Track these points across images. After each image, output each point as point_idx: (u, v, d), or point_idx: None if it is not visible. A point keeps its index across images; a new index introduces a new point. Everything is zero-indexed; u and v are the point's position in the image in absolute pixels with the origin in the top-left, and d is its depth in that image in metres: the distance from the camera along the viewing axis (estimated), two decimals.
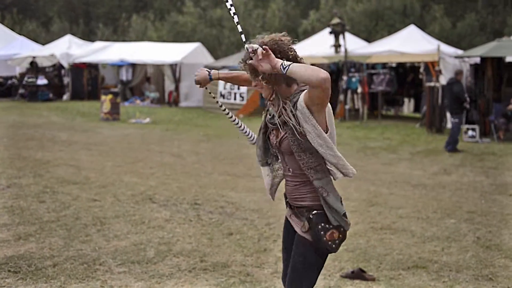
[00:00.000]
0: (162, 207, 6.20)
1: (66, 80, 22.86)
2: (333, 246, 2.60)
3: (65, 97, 22.48)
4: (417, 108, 17.98)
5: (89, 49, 23.79)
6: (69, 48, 23.49)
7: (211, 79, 3.07)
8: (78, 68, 22.74)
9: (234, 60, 19.54)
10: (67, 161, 8.81)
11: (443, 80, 14.08)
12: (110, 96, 15.25)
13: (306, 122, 2.48)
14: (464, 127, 12.75)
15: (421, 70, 15.89)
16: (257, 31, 33.67)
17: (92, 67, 23.15)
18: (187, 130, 13.96)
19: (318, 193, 2.55)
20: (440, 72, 14.10)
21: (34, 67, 22.24)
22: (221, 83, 19.12)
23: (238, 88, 18.66)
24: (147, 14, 40.06)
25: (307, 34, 30.96)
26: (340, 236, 2.60)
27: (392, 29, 29.20)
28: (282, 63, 2.43)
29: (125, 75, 22.33)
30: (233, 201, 6.55)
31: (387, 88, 15.86)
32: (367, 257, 4.70)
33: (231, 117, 3.08)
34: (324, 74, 2.32)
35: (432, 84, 13.79)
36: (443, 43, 18.79)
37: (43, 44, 27.91)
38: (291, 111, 2.51)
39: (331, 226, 2.57)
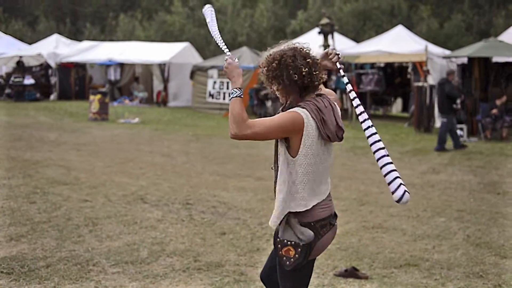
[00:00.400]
0: (154, 207, 6.20)
1: (53, 79, 22.67)
2: (287, 263, 2.52)
3: (52, 97, 22.30)
4: (405, 108, 18.11)
5: (76, 49, 23.63)
6: (56, 48, 23.31)
7: None
8: (66, 68, 22.57)
9: (223, 59, 19.43)
10: (56, 161, 8.75)
11: (431, 80, 14.21)
12: (98, 96, 15.17)
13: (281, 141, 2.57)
14: None
15: (409, 70, 16.01)
16: (245, 31, 33.73)
17: (80, 67, 23.00)
18: (176, 130, 13.94)
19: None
20: (428, 72, 14.22)
21: (20, 67, 22.04)
22: (210, 82, 19.12)
23: (227, 88, 18.67)
24: (135, 14, 39.87)
25: (296, 34, 31.03)
26: (297, 256, 2.51)
27: (379, 29, 29.39)
28: (233, 89, 2.52)
29: (113, 74, 22.21)
30: (225, 201, 6.57)
31: (375, 88, 15.96)
32: (360, 255, 4.74)
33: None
34: (232, 131, 2.40)
35: (420, 84, 13.91)
36: (431, 43, 18.94)
37: (29, 43, 27.67)
38: None
39: (288, 242, 2.52)
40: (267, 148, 11.07)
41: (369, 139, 2.52)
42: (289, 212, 2.54)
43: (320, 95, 2.61)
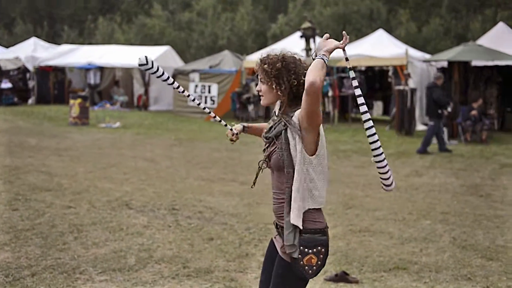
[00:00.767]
0: (139, 213, 6.12)
1: (32, 83, 22.34)
2: (310, 271, 2.50)
3: (30, 101, 21.96)
4: (386, 111, 18.27)
5: (55, 52, 23.33)
6: (34, 51, 22.99)
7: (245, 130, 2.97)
8: (44, 71, 22.27)
9: (205, 63, 19.48)
10: (37, 167, 8.61)
11: (412, 83, 14.36)
12: (79, 100, 14.98)
13: (294, 139, 2.48)
14: None
15: (390, 73, 16.16)
16: (226, 34, 33.70)
17: (59, 71, 22.71)
18: (158, 134, 13.83)
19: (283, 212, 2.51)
20: (409, 75, 14.37)
21: None
22: (191, 86, 19.04)
23: (209, 92, 18.62)
24: (114, 17, 39.54)
25: (276, 38, 31.11)
26: (319, 262, 2.51)
27: (359, 33, 29.61)
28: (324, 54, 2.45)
29: (93, 78, 21.97)
30: (211, 205, 6.52)
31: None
32: (349, 259, 4.75)
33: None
34: (318, 79, 2.33)
35: (401, 87, 14.04)
36: (410, 47, 19.15)
37: (6, 46, 27.23)
38: (284, 125, 2.51)
39: (310, 251, 2.49)
40: (249, 152, 11.07)
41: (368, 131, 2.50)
42: (305, 220, 2.49)
43: None
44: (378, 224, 5.92)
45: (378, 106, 18.82)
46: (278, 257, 2.61)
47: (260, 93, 2.60)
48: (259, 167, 2.65)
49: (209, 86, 18.63)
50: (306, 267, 2.48)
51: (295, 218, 2.46)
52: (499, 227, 5.95)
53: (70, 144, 11.45)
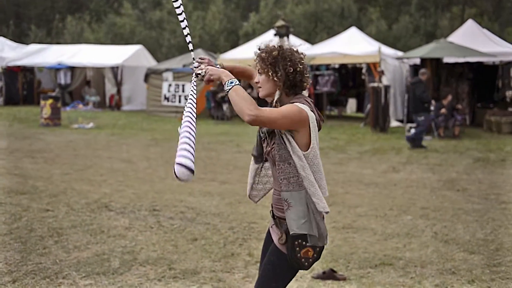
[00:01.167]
0: (120, 214, 6.02)
1: None
2: (306, 264, 2.55)
3: None
4: (359, 108, 18.45)
5: (23, 52, 22.82)
6: (1, 51, 22.47)
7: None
8: (12, 72, 21.77)
9: (178, 62, 19.32)
10: (10, 170, 8.39)
11: (385, 80, 14.52)
12: (50, 101, 14.66)
13: (286, 137, 2.51)
14: (407, 125, 13.18)
15: (364, 71, 16.31)
16: (197, 33, 33.48)
17: (28, 71, 22.23)
18: (133, 134, 13.65)
19: (282, 205, 2.53)
20: (382, 72, 14.53)
21: None
22: (165, 85, 18.85)
23: (183, 91, 18.48)
24: (83, 16, 38.87)
25: (248, 36, 31.10)
26: (315, 255, 2.55)
27: (331, 31, 29.86)
28: (228, 80, 2.47)
29: (63, 78, 21.56)
30: (193, 206, 6.46)
31: (332, 89, 16.17)
32: (335, 257, 4.75)
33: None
34: (247, 116, 2.36)
35: (375, 84, 14.18)
36: (381, 44, 19.36)
37: None
38: None
39: (307, 244, 2.51)
40: (226, 151, 11.03)
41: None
42: (284, 210, 2.54)
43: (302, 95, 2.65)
44: (361, 221, 5.96)
45: (352, 103, 18.99)
46: (272, 245, 2.63)
47: (258, 85, 2.60)
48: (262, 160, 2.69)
49: (183, 85, 18.48)
50: (303, 259, 2.53)
51: (299, 224, 2.50)
52: (478, 220, 6.05)
53: (43, 145, 11.20)
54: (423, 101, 11.34)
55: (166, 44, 34.03)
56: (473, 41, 15.04)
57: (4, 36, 28.62)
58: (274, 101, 2.58)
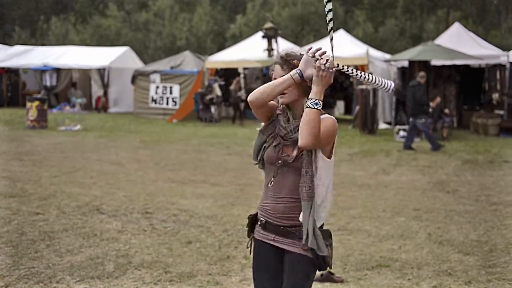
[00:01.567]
0: (112, 217, 5.94)
1: None
2: (330, 262, 2.57)
3: None
4: (347, 110, 18.51)
5: (8, 53, 22.54)
6: None
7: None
8: None
9: (165, 64, 19.22)
10: None
11: None
12: (36, 103, 14.48)
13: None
14: (396, 128, 13.25)
15: None
16: (184, 35, 33.36)
17: (12, 72, 21.97)
18: (121, 136, 13.53)
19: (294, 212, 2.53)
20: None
21: None
22: (152, 87, 18.74)
23: (171, 93, 18.39)
24: (68, 17, 38.50)
25: (235, 38, 31.05)
26: (332, 252, 2.60)
27: (318, 34, 29.93)
28: (318, 100, 2.41)
29: (49, 80, 21.32)
30: (185, 208, 6.40)
31: None
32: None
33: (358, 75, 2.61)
34: (309, 143, 2.38)
35: (363, 87, 14.23)
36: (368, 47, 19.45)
37: None
38: None
39: (329, 243, 2.53)
40: (216, 153, 10.98)
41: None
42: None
43: None
44: (355, 223, 5.95)
45: (340, 105, 19.04)
46: (294, 256, 2.53)
47: (285, 91, 2.50)
48: (277, 165, 2.58)
49: (171, 87, 18.39)
50: (330, 258, 2.55)
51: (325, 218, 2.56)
52: (470, 222, 6.08)
53: (31, 148, 11.05)
54: (422, 104, 11.40)
55: (152, 46, 33.84)
56: (459, 44, 15.18)
57: None
58: (304, 106, 2.46)
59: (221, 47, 30.33)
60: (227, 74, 19.22)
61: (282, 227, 2.57)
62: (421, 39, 28.26)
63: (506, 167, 9.75)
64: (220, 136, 13.85)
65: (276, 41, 16.84)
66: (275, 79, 2.54)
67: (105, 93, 20.89)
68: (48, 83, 21.39)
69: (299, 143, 2.41)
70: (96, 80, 21.04)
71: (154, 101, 18.70)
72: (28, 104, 14.58)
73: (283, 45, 18.55)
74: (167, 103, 18.43)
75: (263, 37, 16.93)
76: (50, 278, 4.18)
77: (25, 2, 41.52)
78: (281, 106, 2.60)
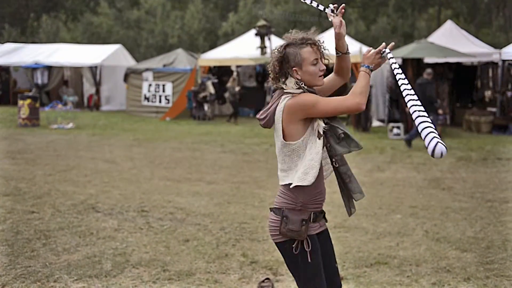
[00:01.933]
0: (108, 216, 5.90)
1: None
2: None
3: None
4: None
5: None
6: None
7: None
8: None
9: (158, 62, 19.13)
10: None
11: None
12: (28, 101, 14.36)
13: None
14: (390, 125, 13.28)
15: None
16: (176, 33, 33.24)
17: (3, 70, 21.79)
18: (114, 134, 13.45)
19: None
20: None
21: None
22: (145, 85, 18.65)
23: (163, 91, 18.31)
24: (58, 15, 38.22)
25: (228, 36, 30.99)
26: None
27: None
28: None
29: (40, 78, 21.15)
30: (181, 206, 6.37)
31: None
32: None
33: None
34: (361, 101, 2.60)
35: None
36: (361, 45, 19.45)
37: None
38: None
39: None
40: (211, 151, 10.95)
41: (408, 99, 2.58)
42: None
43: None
44: (351, 220, 5.94)
45: None
46: (325, 232, 2.81)
47: (322, 72, 2.69)
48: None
49: (163, 85, 18.32)
50: None
51: None
52: (466, 219, 6.10)
53: (23, 146, 10.95)
54: (432, 101, 11.43)
55: (144, 44, 33.68)
56: (452, 41, 15.23)
57: None
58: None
59: (213, 45, 30.23)
60: (220, 72, 19.18)
61: (323, 211, 2.77)
62: (413, 37, 28.38)
63: (499, 164, 9.79)
64: (214, 134, 13.82)
65: (269, 39, 16.81)
66: (314, 65, 2.65)
67: (97, 91, 20.76)
68: (39, 81, 21.22)
69: (363, 107, 2.57)
70: (88, 78, 20.90)
71: (147, 99, 18.62)
72: (20, 102, 14.46)
73: (276, 43, 18.55)
74: (160, 101, 18.36)
75: (256, 34, 16.89)
76: (47, 277, 4.14)
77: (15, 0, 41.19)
78: None
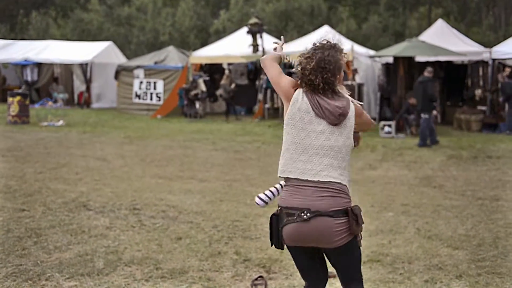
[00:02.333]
0: (99, 214, 5.87)
1: None
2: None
3: None
4: None
5: None
6: None
7: None
8: None
9: (149, 59, 19.04)
10: None
11: (358, 78, 14.63)
12: (18, 98, 14.24)
13: None
14: (381, 123, 13.32)
15: None
16: (167, 30, 33.11)
17: None
18: (105, 132, 13.38)
19: None
20: (356, 71, 14.64)
21: None
22: (136, 83, 18.56)
23: (155, 88, 18.23)
24: (48, 11, 37.93)
25: (219, 33, 30.92)
26: (270, 235, 2.84)
27: (301, 30, 29.95)
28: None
29: (30, 75, 20.97)
30: (174, 204, 6.35)
31: None
32: None
33: None
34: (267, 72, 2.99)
35: (349, 82, 14.26)
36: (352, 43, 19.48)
37: None
38: None
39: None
40: (203, 149, 10.93)
41: None
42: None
43: None
44: None
45: None
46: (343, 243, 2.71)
47: None
48: None
49: (155, 83, 18.24)
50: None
51: None
52: (458, 216, 6.13)
53: (13, 143, 10.86)
54: (432, 99, 11.49)
55: (135, 41, 33.52)
56: (443, 40, 15.28)
57: None
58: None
59: (204, 43, 30.15)
60: (212, 69, 19.13)
61: None
62: (404, 36, 28.46)
63: (490, 163, 9.86)
64: (206, 132, 13.79)
65: (261, 37, 16.79)
66: None
67: (88, 89, 20.63)
68: (29, 78, 21.04)
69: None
70: (78, 75, 20.76)
71: (138, 96, 18.53)
72: (10, 99, 14.33)
73: (268, 41, 18.53)
74: (151, 99, 18.28)
75: (248, 32, 16.86)
76: (39, 275, 4.11)
77: None
78: None
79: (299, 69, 2.73)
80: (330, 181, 2.63)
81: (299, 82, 2.76)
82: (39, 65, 21.09)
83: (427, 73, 11.83)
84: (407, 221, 5.88)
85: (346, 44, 17.21)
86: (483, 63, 15.51)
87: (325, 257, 2.87)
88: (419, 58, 14.79)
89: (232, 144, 11.73)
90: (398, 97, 13.95)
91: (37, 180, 7.44)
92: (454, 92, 16.26)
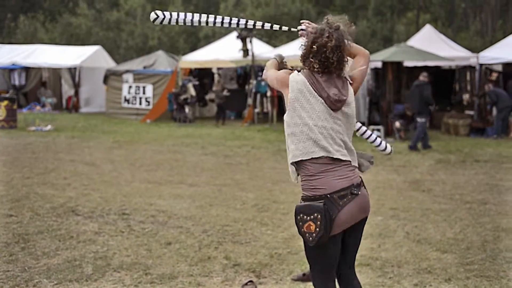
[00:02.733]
0: (88, 219, 5.83)
1: None
2: (310, 239, 2.65)
3: None
4: None
5: None
6: None
7: None
8: None
9: (138, 64, 18.99)
10: None
11: None
12: (5, 102, 14.13)
13: None
14: (370, 128, 13.37)
15: None
16: (157, 34, 33.06)
17: None
18: (94, 137, 13.31)
19: None
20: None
21: None
22: (125, 87, 18.50)
23: (144, 93, 18.18)
24: (36, 15, 37.71)
25: (208, 38, 30.94)
26: (318, 230, 2.62)
27: (290, 34, 30.03)
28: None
29: (17, 79, 20.81)
30: (163, 209, 6.33)
31: None
32: None
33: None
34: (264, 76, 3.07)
35: None
36: None
37: None
38: None
39: (308, 218, 2.63)
40: (192, 154, 10.90)
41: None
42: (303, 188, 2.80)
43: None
44: None
45: None
46: None
47: None
48: None
49: (144, 87, 18.19)
50: (307, 235, 2.65)
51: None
52: (446, 220, 6.17)
53: (0, 148, 10.77)
54: (429, 102, 11.56)
55: (124, 46, 33.43)
56: (431, 45, 15.43)
57: None
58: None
59: (194, 47, 30.15)
60: (201, 74, 19.12)
61: None
62: (392, 41, 28.65)
63: (478, 167, 9.93)
64: (195, 137, 13.76)
65: (250, 42, 16.82)
66: None
67: (76, 93, 20.52)
68: (16, 82, 20.88)
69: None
70: (67, 79, 20.65)
71: (127, 101, 18.47)
72: None
73: (257, 45, 18.57)
74: (140, 103, 18.22)
75: (238, 37, 16.89)
76: (27, 281, 4.07)
77: None
78: None
79: (314, 47, 2.75)
80: (346, 160, 2.80)
81: (304, 62, 2.83)
82: (27, 69, 20.95)
83: (423, 77, 11.94)
84: (396, 225, 5.90)
85: None
86: (471, 68, 15.66)
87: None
88: (408, 63, 14.90)
89: (222, 148, 11.71)
90: (387, 102, 14.02)
91: (24, 185, 7.38)
92: (442, 97, 16.38)
